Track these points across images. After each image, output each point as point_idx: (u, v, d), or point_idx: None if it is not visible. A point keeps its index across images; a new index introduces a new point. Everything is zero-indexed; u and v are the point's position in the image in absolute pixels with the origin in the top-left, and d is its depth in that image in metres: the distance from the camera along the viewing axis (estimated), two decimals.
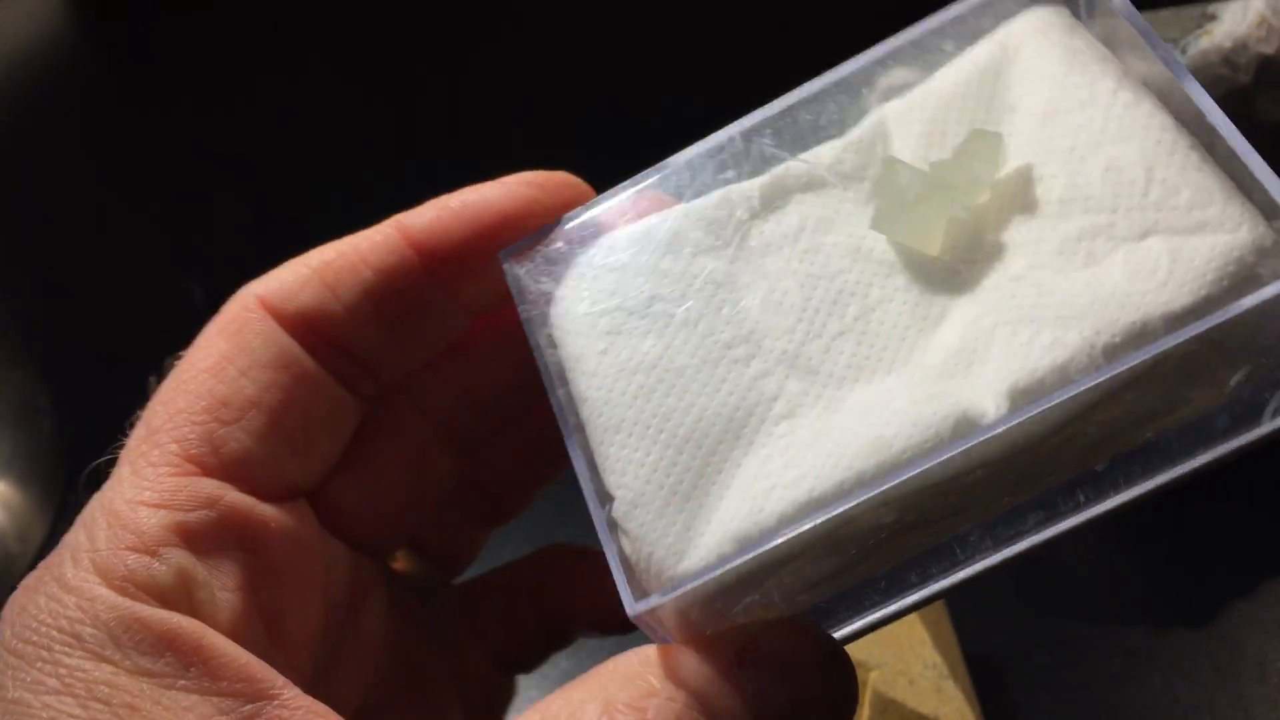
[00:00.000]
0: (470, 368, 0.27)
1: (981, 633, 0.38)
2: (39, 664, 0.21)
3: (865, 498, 0.19)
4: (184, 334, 0.48)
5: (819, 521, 0.19)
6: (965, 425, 0.19)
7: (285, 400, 0.24)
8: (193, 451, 0.23)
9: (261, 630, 0.23)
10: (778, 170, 0.23)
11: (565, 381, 0.22)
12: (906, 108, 0.23)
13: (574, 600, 0.29)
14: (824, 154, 0.23)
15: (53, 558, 0.22)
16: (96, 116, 0.63)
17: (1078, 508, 0.21)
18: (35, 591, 0.22)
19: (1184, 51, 0.40)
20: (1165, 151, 0.20)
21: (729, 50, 0.56)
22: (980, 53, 0.23)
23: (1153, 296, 0.19)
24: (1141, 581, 0.40)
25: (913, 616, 0.33)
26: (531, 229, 0.24)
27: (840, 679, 0.21)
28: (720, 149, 0.23)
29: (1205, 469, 0.21)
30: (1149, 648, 0.38)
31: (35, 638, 0.21)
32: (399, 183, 0.56)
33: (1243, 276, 0.19)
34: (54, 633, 0.21)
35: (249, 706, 0.21)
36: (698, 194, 0.23)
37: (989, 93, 0.23)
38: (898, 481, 0.19)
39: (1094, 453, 0.21)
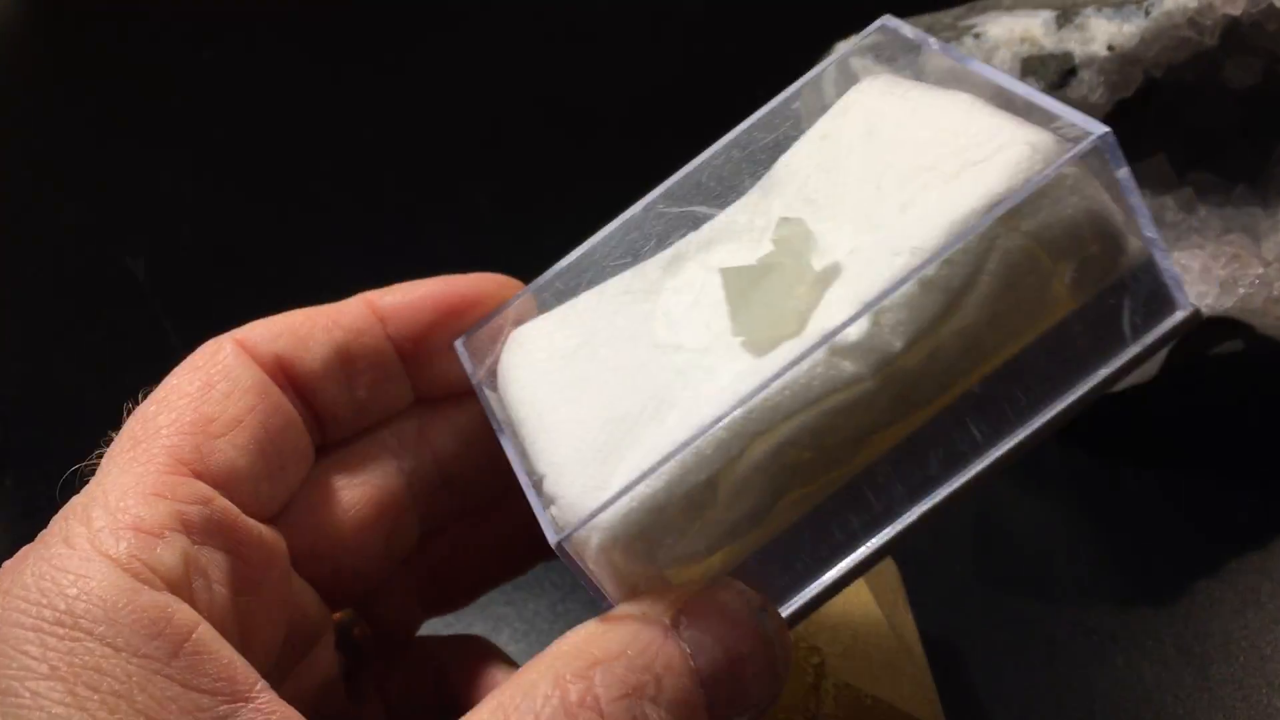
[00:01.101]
0: (438, 434, 0.29)
1: (939, 615, 0.37)
2: (28, 647, 0.20)
3: (743, 408, 0.21)
4: (127, 310, 0.54)
5: (707, 437, 0.21)
6: (825, 337, 0.22)
7: (265, 424, 0.25)
8: (184, 457, 0.23)
9: (236, 636, 0.23)
10: (680, 241, 0.27)
11: (495, 414, 0.26)
12: (778, 169, 0.27)
13: (472, 697, 0.30)
14: (720, 217, 0.27)
15: (33, 546, 0.22)
16: (29, 90, 0.64)
17: (977, 446, 0.23)
18: (19, 572, 0.21)
19: (1148, 13, 0.39)
20: (965, 114, 0.24)
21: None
22: (825, 118, 0.27)
23: (962, 202, 0.22)
24: (1102, 560, 0.38)
25: (868, 600, 0.34)
26: (482, 318, 0.28)
27: (774, 631, 0.22)
28: (632, 221, 0.28)
29: (1091, 396, 0.23)
30: (1111, 627, 0.36)
31: (24, 619, 0.20)
32: (341, 158, 0.58)
33: (1034, 169, 0.22)
34: (46, 611, 0.20)
35: (225, 707, 0.20)
36: (616, 265, 0.28)
37: (828, 142, 0.27)
38: (770, 389, 0.21)
39: (964, 370, 0.22)
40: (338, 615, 0.29)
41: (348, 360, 0.27)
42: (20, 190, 0.59)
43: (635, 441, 0.23)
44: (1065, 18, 0.40)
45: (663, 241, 0.27)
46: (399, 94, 0.62)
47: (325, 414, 0.27)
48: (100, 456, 0.24)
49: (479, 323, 0.27)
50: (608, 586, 0.22)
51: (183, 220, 0.56)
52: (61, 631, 0.20)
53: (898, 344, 0.22)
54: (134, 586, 0.21)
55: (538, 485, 0.24)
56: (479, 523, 0.30)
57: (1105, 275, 0.22)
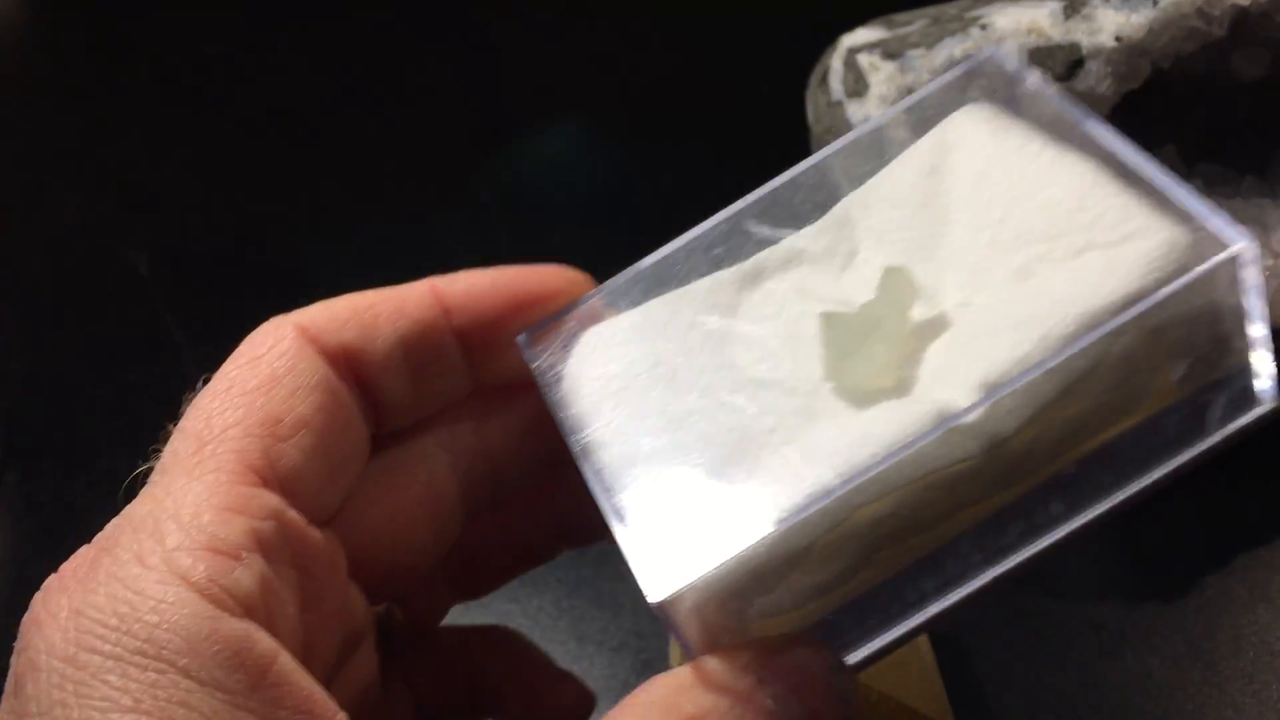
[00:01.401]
0: (491, 430, 0.28)
1: None
2: (109, 677, 0.19)
3: (858, 481, 0.21)
4: (130, 304, 0.53)
5: (819, 507, 0.21)
6: (943, 417, 0.21)
7: (329, 424, 0.24)
8: (253, 463, 0.22)
9: (302, 654, 0.22)
10: (761, 254, 0.26)
11: (569, 428, 0.25)
12: (867, 191, 0.26)
13: (503, 688, 0.30)
14: (799, 236, 0.26)
15: (99, 556, 0.21)
16: (32, 84, 0.63)
17: (1053, 520, 0.23)
18: (90, 591, 0.20)
19: (1156, 3, 0.39)
20: (1089, 186, 0.23)
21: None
22: (921, 143, 0.26)
23: (1093, 292, 0.21)
24: (1110, 556, 0.38)
25: None
26: (549, 314, 0.26)
27: (849, 690, 0.22)
28: (711, 234, 0.26)
29: (1166, 481, 0.23)
30: (1119, 623, 0.36)
31: (104, 646, 0.19)
32: (344, 154, 0.58)
33: (1168, 269, 0.21)
34: (126, 639, 0.19)
35: None
36: (692, 273, 0.26)
37: (931, 171, 0.26)
38: (887, 465, 0.21)
39: (1063, 452, 0.22)
40: (377, 607, 0.28)
41: (412, 352, 0.26)
42: (22, 184, 0.59)
43: (728, 489, 0.23)
44: (1073, 8, 0.40)
45: (737, 253, 0.26)
46: (403, 89, 0.62)
47: (384, 406, 0.26)
48: (156, 453, 0.23)
49: (543, 320, 0.26)
50: (692, 637, 0.22)
51: (186, 214, 0.56)
52: (143, 662, 0.19)
53: (1011, 427, 0.21)
54: (215, 615, 0.20)
55: (621, 519, 0.23)
56: (513, 510, 0.30)
57: (1211, 373, 0.23)
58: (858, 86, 0.43)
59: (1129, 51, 0.39)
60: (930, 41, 0.41)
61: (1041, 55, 0.40)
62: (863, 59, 0.43)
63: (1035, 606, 0.37)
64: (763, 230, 0.26)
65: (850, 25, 0.46)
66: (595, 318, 0.26)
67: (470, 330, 0.26)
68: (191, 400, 0.24)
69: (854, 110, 0.43)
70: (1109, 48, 0.39)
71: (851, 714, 0.22)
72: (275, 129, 0.60)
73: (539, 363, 0.26)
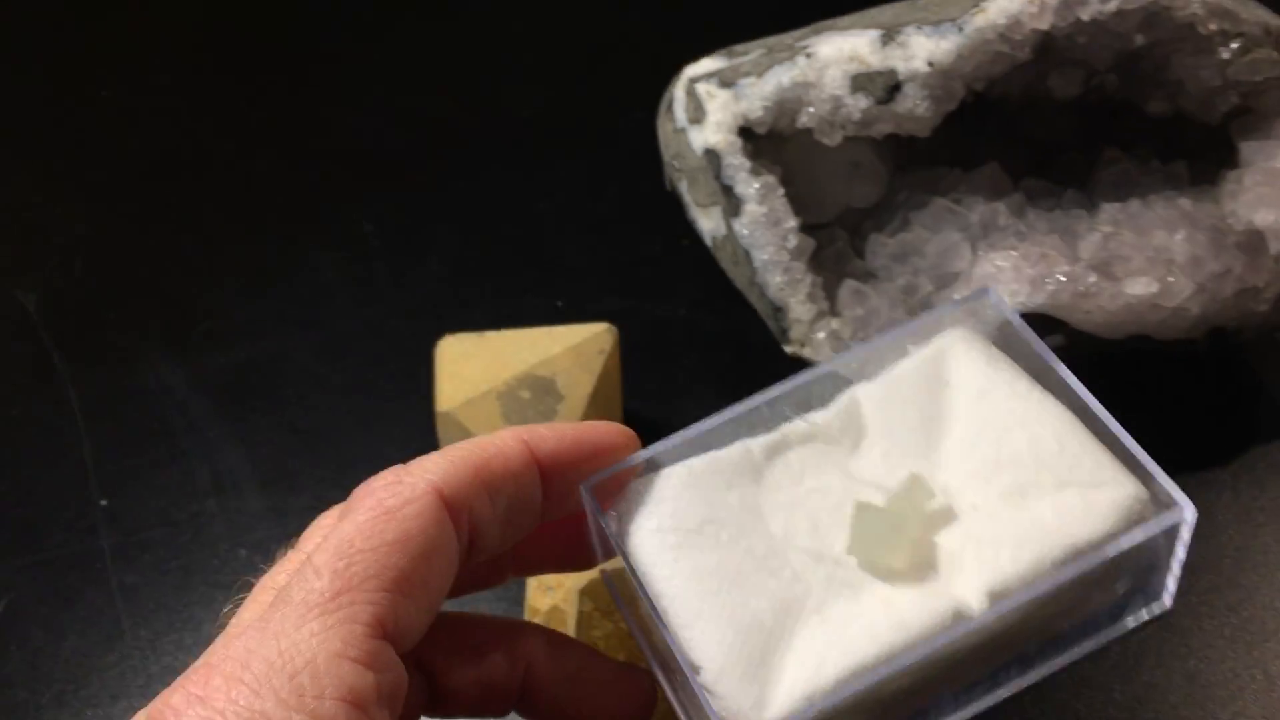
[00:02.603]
0: (542, 553, 0.33)
1: None
2: None
3: (899, 667, 0.27)
4: (17, 343, 0.53)
5: (865, 685, 0.27)
6: (959, 616, 0.28)
7: (445, 586, 0.27)
8: (383, 619, 0.25)
9: None
10: (785, 428, 0.32)
11: (641, 573, 0.30)
12: (875, 388, 0.32)
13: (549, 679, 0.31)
14: (817, 418, 0.32)
15: (234, 688, 0.23)
16: None
17: (1009, 680, 0.30)
18: None
19: (961, 29, 0.42)
20: (1067, 431, 0.30)
21: None
22: (923, 354, 0.32)
23: (1078, 527, 0.29)
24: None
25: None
26: (604, 466, 0.30)
27: None
28: (745, 412, 0.32)
29: (1088, 653, 0.31)
30: None
31: None
32: (230, 193, 0.60)
33: (1133, 518, 0.29)
34: None
35: None
36: (724, 442, 0.31)
37: (931, 381, 0.32)
38: (919, 655, 0.27)
39: (1031, 638, 0.30)
40: None
41: (514, 509, 0.29)
42: None
43: (778, 649, 0.28)
44: (889, 36, 0.43)
45: (759, 427, 0.32)
46: (288, 126, 0.64)
47: (479, 551, 0.29)
48: (263, 569, 0.26)
49: (601, 472, 0.30)
50: None
51: (74, 254, 0.57)
52: None
53: (1004, 624, 0.28)
54: None
55: (697, 674, 0.28)
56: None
57: (1138, 585, 0.30)
58: (697, 114, 0.45)
59: (942, 75, 0.42)
60: (761, 70, 0.44)
61: (862, 81, 0.43)
62: (701, 88, 0.45)
63: None
64: (786, 411, 0.32)
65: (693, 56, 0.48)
66: (644, 471, 0.31)
67: (551, 478, 0.29)
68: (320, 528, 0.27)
69: (695, 136, 0.45)
70: (923, 72, 0.42)
71: None
72: (162, 168, 0.62)
73: (602, 508, 0.30)
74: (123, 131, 0.64)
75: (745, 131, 0.45)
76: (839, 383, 0.33)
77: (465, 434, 0.42)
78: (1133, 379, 0.46)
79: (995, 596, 0.28)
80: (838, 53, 0.43)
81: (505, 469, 0.28)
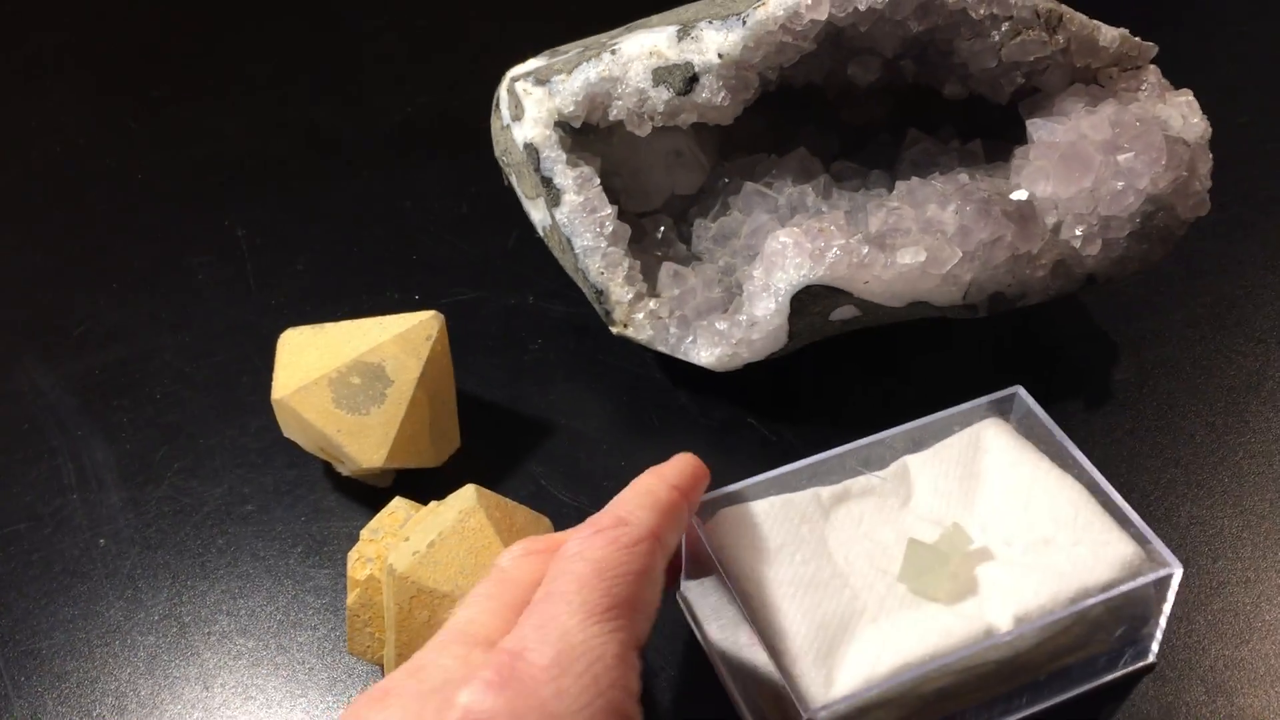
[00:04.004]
0: None
1: None
2: None
3: (937, 665, 0.35)
4: None
5: (909, 677, 0.34)
6: (990, 632, 0.36)
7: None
8: (638, 634, 0.32)
9: None
10: (848, 482, 0.40)
11: (734, 579, 0.37)
12: (924, 457, 0.41)
13: None
14: (875, 476, 0.40)
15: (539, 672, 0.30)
16: None
17: (1020, 707, 0.38)
18: None
19: (745, 23, 0.44)
20: (1081, 502, 0.38)
21: None
22: (964, 435, 0.41)
23: (1087, 575, 0.36)
24: None
25: (502, 551, 0.39)
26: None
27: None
28: (815, 463, 0.40)
29: (1089, 693, 0.39)
30: None
31: None
32: (105, 202, 0.61)
33: (1130, 571, 0.37)
34: None
35: None
36: (798, 488, 0.40)
37: (970, 456, 0.40)
38: (956, 658, 0.35)
39: (1042, 667, 0.37)
40: None
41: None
42: None
43: (840, 647, 0.36)
44: (685, 31, 0.45)
45: (825, 478, 0.40)
46: (161, 132, 0.66)
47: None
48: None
49: (705, 501, 0.38)
50: None
51: None
52: None
53: (1024, 646, 0.36)
54: None
55: (778, 658, 0.35)
56: None
57: (1131, 634, 0.38)
58: (517, 111, 0.48)
59: (734, 66, 0.45)
60: (570, 67, 0.47)
61: (662, 74, 0.45)
62: (520, 86, 0.48)
63: None
64: (855, 465, 0.40)
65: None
66: (737, 502, 0.39)
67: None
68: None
69: (517, 132, 0.48)
70: (715, 64, 0.45)
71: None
72: (37, 175, 0.64)
73: (705, 530, 0.38)
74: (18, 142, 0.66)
75: (564, 126, 0.47)
76: (894, 451, 0.41)
77: (299, 419, 0.45)
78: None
79: (1020, 620, 0.35)
80: (640, 49, 0.46)
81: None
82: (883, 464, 0.41)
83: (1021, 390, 0.41)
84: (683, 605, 0.41)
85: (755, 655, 0.36)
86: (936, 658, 0.35)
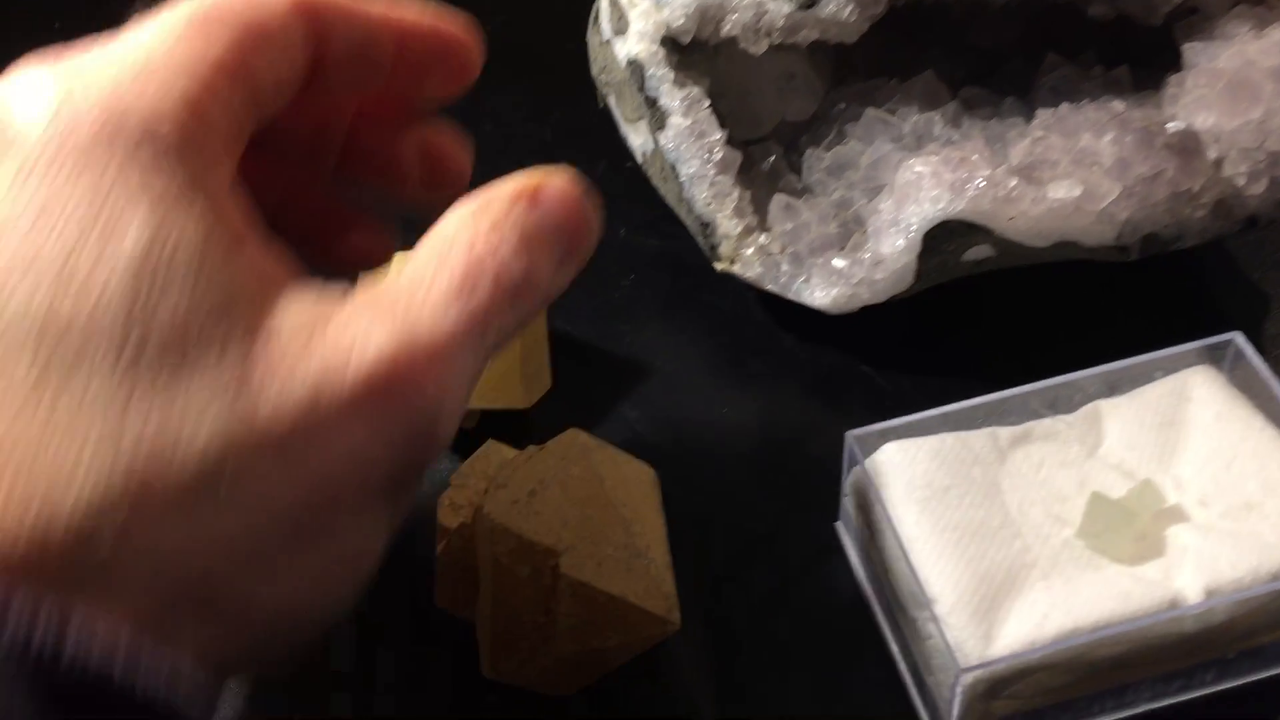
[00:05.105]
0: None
1: (693, 519, 0.39)
2: None
3: (1110, 633, 0.31)
4: None
5: (1078, 643, 0.31)
6: (1175, 603, 0.32)
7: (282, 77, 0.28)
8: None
9: None
10: (1030, 423, 0.36)
11: (896, 519, 0.34)
12: (1118, 402, 0.37)
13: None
14: (1061, 419, 0.36)
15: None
16: None
17: (1205, 684, 0.34)
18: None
19: None
20: None
21: None
22: (1167, 381, 0.37)
23: None
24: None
25: (608, 503, 0.36)
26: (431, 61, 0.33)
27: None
28: (996, 401, 0.37)
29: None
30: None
31: None
32: None
33: None
34: None
35: None
36: (974, 426, 0.36)
37: (1172, 405, 0.36)
38: (1133, 627, 0.31)
39: (1230, 645, 0.33)
40: None
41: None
42: None
43: (1003, 603, 0.32)
44: None
45: (1003, 418, 0.37)
46: None
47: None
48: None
49: (866, 428, 0.36)
50: (955, 709, 0.32)
51: None
52: None
53: (1214, 621, 0.32)
54: None
55: (936, 607, 0.32)
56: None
57: None
58: (621, 24, 0.44)
59: None
60: None
61: None
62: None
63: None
64: (1038, 407, 0.37)
65: None
66: (904, 436, 0.36)
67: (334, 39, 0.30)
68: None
69: (619, 48, 0.44)
70: None
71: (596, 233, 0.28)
72: None
73: (864, 458, 0.36)
74: None
75: (670, 42, 0.43)
76: (1084, 395, 0.37)
77: None
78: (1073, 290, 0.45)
79: (1211, 593, 0.32)
80: None
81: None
82: (1070, 407, 0.37)
83: (1240, 336, 0.37)
84: (843, 539, 0.38)
85: (913, 601, 0.33)
86: (1111, 625, 0.31)
